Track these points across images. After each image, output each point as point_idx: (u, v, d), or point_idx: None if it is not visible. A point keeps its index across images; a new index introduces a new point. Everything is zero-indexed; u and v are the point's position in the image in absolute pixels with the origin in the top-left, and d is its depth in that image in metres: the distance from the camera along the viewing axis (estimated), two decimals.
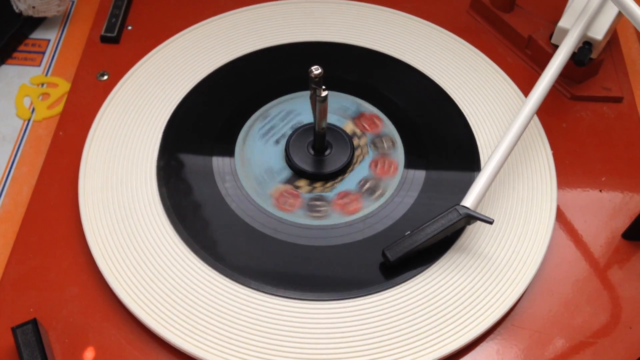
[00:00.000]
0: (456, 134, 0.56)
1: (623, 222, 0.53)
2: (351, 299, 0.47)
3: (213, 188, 0.53)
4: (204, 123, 0.57)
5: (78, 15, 0.66)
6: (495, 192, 0.53)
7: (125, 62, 0.60)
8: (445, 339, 0.46)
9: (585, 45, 0.57)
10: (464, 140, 0.56)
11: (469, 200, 0.49)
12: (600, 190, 0.55)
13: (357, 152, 0.55)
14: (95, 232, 0.50)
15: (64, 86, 0.61)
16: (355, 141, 0.55)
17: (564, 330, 0.48)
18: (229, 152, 0.55)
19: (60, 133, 0.56)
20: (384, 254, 0.48)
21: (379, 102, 0.58)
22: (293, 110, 0.57)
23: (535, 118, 0.57)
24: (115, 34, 0.63)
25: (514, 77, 0.60)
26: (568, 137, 0.58)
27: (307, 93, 0.50)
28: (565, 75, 0.60)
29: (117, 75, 0.59)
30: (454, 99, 0.58)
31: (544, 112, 0.58)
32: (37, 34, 0.65)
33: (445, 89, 0.59)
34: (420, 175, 0.54)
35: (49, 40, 0.64)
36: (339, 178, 0.54)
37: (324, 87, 0.47)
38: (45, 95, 0.60)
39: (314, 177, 0.53)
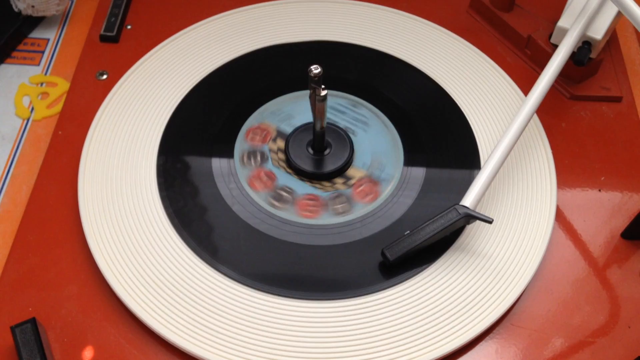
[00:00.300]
0: (456, 133, 0.56)
1: (622, 222, 0.53)
2: (351, 299, 0.47)
3: (212, 187, 0.53)
4: (204, 122, 0.57)
5: (77, 15, 0.66)
6: (494, 192, 0.53)
7: (125, 62, 0.60)
8: (444, 339, 0.46)
9: (585, 45, 0.57)
10: (464, 140, 0.56)
11: (468, 200, 0.49)
12: (600, 190, 0.55)
13: None
14: (94, 231, 0.50)
15: (63, 85, 0.61)
16: None
17: (563, 329, 0.48)
18: (229, 151, 0.55)
19: (60, 132, 0.56)
20: (383, 254, 0.48)
21: (379, 102, 0.58)
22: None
23: (535, 117, 0.57)
24: (114, 33, 0.63)
25: (513, 76, 0.60)
26: (567, 136, 0.58)
27: (307, 92, 0.50)
28: (564, 75, 0.60)
29: (116, 74, 0.59)
30: (454, 98, 0.58)
31: (544, 111, 0.58)
32: (36, 33, 0.65)
33: (445, 88, 0.59)
34: (419, 174, 0.54)
35: (48, 40, 0.64)
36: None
37: (323, 86, 0.47)
38: (45, 94, 0.60)
39: (313, 177, 0.53)
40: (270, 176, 0.53)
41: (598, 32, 0.57)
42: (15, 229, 0.51)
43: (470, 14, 0.66)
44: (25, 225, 0.51)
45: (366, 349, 0.45)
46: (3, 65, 0.62)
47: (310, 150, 0.54)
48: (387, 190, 0.53)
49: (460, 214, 0.48)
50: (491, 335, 0.48)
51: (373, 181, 0.53)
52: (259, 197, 0.52)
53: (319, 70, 0.46)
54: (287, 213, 0.51)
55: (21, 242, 0.51)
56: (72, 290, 0.48)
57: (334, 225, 0.51)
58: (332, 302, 0.47)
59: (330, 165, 0.54)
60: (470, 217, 0.48)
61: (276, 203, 0.52)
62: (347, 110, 0.57)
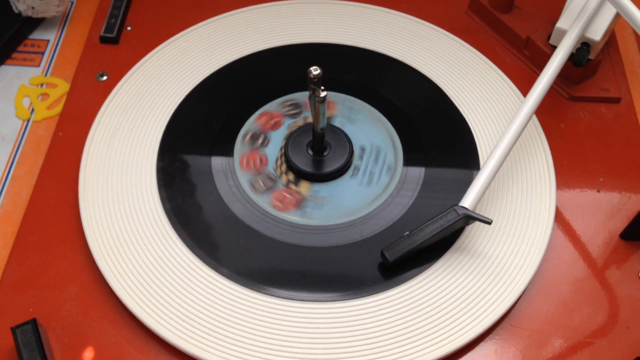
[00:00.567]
0: (455, 135, 0.57)
1: (621, 223, 0.53)
2: (350, 300, 0.47)
3: (212, 188, 0.53)
4: (204, 123, 0.57)
5: (77, 16, 0.67)
6: (494, 193, 0.53)
7: (125, 63, 0.60)
8: (443, 339, 0.46)
9: (583, 46, 0.57)
10: (463, 141, 0.56)
11: (467, 201, 0.49)
12: (598, 191, 0.55)
13: None
14: (95, 232, 0.50)
15: (63, 87, 0.61)
16: None
17: (562, 330, 0.48)
18: (228, 152, 0.55)
19: (60, 133, 0.56)
20: (382, 255, 0.48)
21: (378, 103, 0.58)
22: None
23: (534, 118, 0.57)
24: (114, 34, 0.63)
25: (512, 77, 0.60)
26: (566, 137, 0.58)
27: (306, 94, 0.50)
28: (563, 76, 0.60)
29: (116, 75, 0.60)
30: (453, 100, 0.58)
31: (543, 112, 0.58)
32: (36, 35, 0.65)
33: (444, 90, 0.59)
34: (419, 175, 0.54)
35: (48, 41, 0.65)
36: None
37: (322, 87, 0.47)
38: (45, 95, 0.60)
39: (313, 178, 0.53)
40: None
41: (597, 33, 0.57)
42: (16, 230, 0.51)
43: (469, 15, 0.66)
44: (25, 227, 0.51)
45: (365, 349, 0.46)
46: (3, 67, 0.63)
47: (310, 152, 0.54)
48: (386, 191, 0.53)
49: (459, 214, 0.48)
50: (490, 336, 0.48)
51: (298, 202, 0.52)
52: (259, 197, 0.52)
53: (319, 71, 0.46)
54: (286, 214, 0.51)
55: (22, 243, 0.51)
56: (73, 291, 0.48)
57: (334, 226, 0.51)
58: (331, 303, 0.47)
59: (330, 166, 0.54)
60: (469, 218, 0.48)
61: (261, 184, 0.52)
62: (380, 162, 0.55)
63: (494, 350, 0.47)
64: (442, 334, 0.46)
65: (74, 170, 0.54)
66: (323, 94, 0.48)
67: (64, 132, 0.57)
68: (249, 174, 0.53)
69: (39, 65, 0.63)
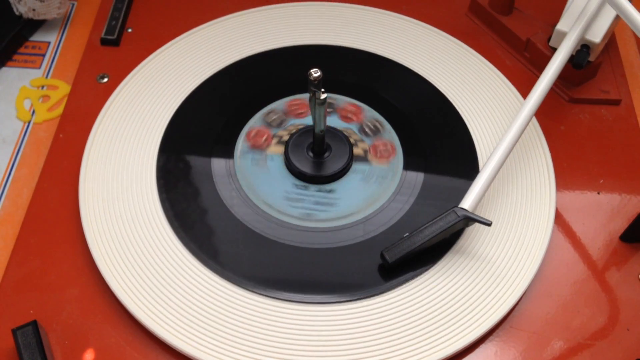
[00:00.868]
0: (455, 136, 0.57)
1: (621, 224, 0.53)
2: (349, 302, 0.47)
3: (212, 190, 0.53)
4: (204, 125, 0.57)
5: (78, 18, 0.67)
6: (493, 194, 0.53)
7: (126, 65, 0.60)
8: (443, 342, 0.46)
9: (583, 48, 0.57)
10: (463, 143, 0.56)
11: (467, 202, 0.49)
12: (598, 193, 0.55)
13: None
14: (95, 234, 0.50)
15: (64, 88, 0.61)
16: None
17: (562, 332, 0.48)
18: (229, 154, 0.55)
19: (61, 135, 0.57)
20: (382, 256, 0.48)
21: (378, 105, 0.58)
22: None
23: (534, 120, 0.57)
24: (115, 36, 0.63)
25: (512, 79, 0.60)
26: (566, 139, 0.58)
27: (307, 95, 0.50)
28: (563, 78, 0.60)
29: (117, 77, 0.60)
30: (453, 102, 0.58)
31: (543, 114, 0.59)
32: (37, 37, 0.65)
33: (443, 92, 0.59)
34: (419, 177, 0.54)
35: (49, 43, 0.65)
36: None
37: (323, 89, 0.47)
38: (46, 97, 0.60)
39: (313, 180, 0.53)
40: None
41: (597, 35, 0.57)
42: (17, 231, 0.52)
43: (470, 17, 0.66)
44: (26, 228, 0.51)
45: (364, 351, 0.46)
46: (4, 69, 0.63)
47: (310, 154, 0.54)
48: (386, 193, 0.53)
49: (459, 216, 0.48)
50: (491, 337, 0.48)
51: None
52: (258, 198, 0.52)
53: (319, 74, 0.46)
54: (286, 215, 0.52)
55: (22, 245, 0.51)
56: (73, 292, 0.49)
57: (333, 227, 0.51)
58: (331, 305, 0.47)
59: (330, 169, 0.54)
60: (469, 219, 0.48)
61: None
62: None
63: (494, 352, 0.47)
64: (442, 336, 0.46)
65: (74, 172, 0.54)
66: (323, 96, 0.48)
67: (64, 134, 0.57)
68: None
69: (40, 67, 0.63)
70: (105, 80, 0.60)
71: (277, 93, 0.59)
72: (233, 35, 0.63)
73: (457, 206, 0.48)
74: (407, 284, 0.48)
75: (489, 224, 0.48)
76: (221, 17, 0.64)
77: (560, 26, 0.58)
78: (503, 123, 0.57)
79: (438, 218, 0.48)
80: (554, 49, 0.57)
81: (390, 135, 0.55)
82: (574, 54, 0.57)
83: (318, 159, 0.54)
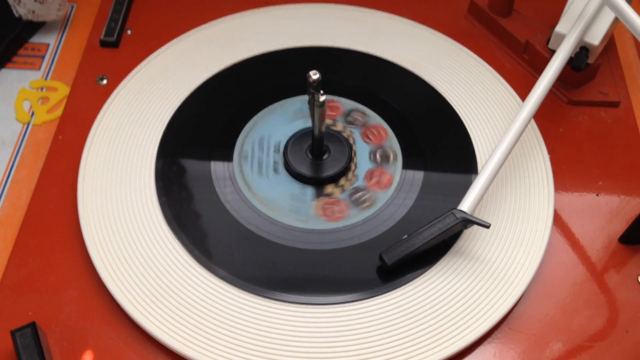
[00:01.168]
0: (454, 138, 0.57)
1: (620, 226, 0.53)
2: (348, 303, 0.47)
3: (211, 192, 0.53)
4: (203, 127, 0.57)
5: (77, 20, 0.67)
6: (492, 196, 0.53)
7: (125, 67, 0.60)
8: (442, 343, 0.46)
9: (582, 51, 0.57)
10: (462, 144, 0.56)
11: (465, 204, 0.49)
12: (597, 194, 0.55)
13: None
14: (93, 236, 0.50)
15: (63, 90, 0.61)
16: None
17: (561, 334, 0.48)
18: (228, 156, 0.55)
19: (60, 137, 0.57)
20: (381, 258, 0.48)
21: (377, 106, 0.58)
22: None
23: (533, 122, 0.57)
24: (114, 38, 0.63)
25: (511, 81, 0.60)
26: (565, 141, 0.58)
27: (306, 97, 0.50)
28: (562, 80, 0.60)
29: (116, 79, 0.60)
30: (452, 103, 0.59)
31: (541, 116, 0.59)
32: (37, 38, 0.65)
33: (442, 94, 0.59)
34: (418, 179, 0.54)
35: (48, 45, 0.65)
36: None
37: (322, 91, 0.47)
38: (45, 99, 0.61)
39: (312, 182, 0.53)
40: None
41: (595, 37, 0.57)
42: (16, 233, 0.52)
43: (469, 19, 0.66)
44: (25, 230, 0.51)
45: (363, 353, 0.46)
46: (3, 70, 0.63)
47: (310, 155, 0.54)
48: (385, 194, 0.53)
49: (457, 218, 0.48)
50: (489, 339, 0.48)
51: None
52: (258, 200, 0.52)
53: (318, 76, 0.46)
54: (286, 218, 0.52)
55: (21, 246, 0.51)
56: (72, 294, 0.49)
57: (332, 229, 0.51)
58: (330, 307, 0.47)
59: (329, 170, 0.54)
60: (467, 221, 0.48)
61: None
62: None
63: (492, 353, 0.47)
64: (441, 337, 0.46)
65: (73, 174, 0.54)
66: (322, 98, 0.48)
67: (63, 136, 0.57)
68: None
69: (39, 69, 0.63)
70: (105, 82, 0.60)
71: (276, 95, 0.59)
72: (232, 37, 0.63)
73: (455, 208, 0.49)
74: (405, 286, 0.48)
75: (487, 226, 0.48)
76: (220, 18, 0.64)
77: (559, 28, 0.58)
78: (502, 125, 0.57)
79: (437, 220, 0.48)
80: (553, 51, 0.57)
81: (394, 169, 0.54)
82: (572, 56, 0.57)
83: (317, 160, 0.54)
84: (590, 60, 0.58)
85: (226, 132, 0.56)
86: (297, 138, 0.55)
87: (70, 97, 0.59)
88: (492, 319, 0.47)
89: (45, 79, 0.62)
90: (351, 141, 0.56)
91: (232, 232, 0.51)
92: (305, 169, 0.53)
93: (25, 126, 0.59)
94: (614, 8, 0.52)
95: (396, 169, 0.54)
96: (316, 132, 0.52)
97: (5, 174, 0.56)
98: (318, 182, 0.54)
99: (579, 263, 0.52)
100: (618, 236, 0.53)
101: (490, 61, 0.62)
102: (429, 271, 0.49)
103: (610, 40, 0.63)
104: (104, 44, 0.63)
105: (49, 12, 0.64)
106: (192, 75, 0.60)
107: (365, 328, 0.47)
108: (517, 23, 0.63)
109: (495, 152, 0.50)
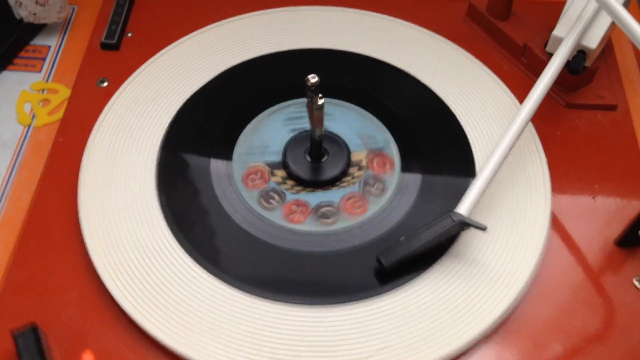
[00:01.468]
0: (451, 141, 0.57)
1: (616, 229, 0.53)
2: (345, 305, 0.48)
3: (211, 194, 0.53)
4: (203, 129, 0.57)
5: (78, 22, 0.67)
6: (490, 199, 0.53)
7: (125, 69, 0.61)
8: (439, 345, 0.46)
9: (580, 54, 0.57)
10: (460, 147, 0.56)
11: (463, 207, 0.49)
12: (594, 197, 0.55)
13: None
14: (94, 237, 0.50)
15: (64, 92, 0.61)
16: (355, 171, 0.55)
17: (558, 336, 0.48)
18: (228, 158, 0.55)
19: (61, 139, 0.57)
20: (378, 260, 0.48)
21: (375, 109, 0.58)
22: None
23: (530, 125, 0.57)
24: (115, 40, 0.63)
25: (509, 84, 0.60)
26: (562, 144, 0.58)
27: (305, 100, 0.50)
28: (560, 83, 0.60)
29: (117, 81, 0.60)
30: (450, 106, 0.59)
31: (539, 119, 0.59)
32: (38, 41, 0.65)
33: (440, 96, 0.59)
34: (415, 181, 0.54)
35: (49, 47, 0.65)
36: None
37: (320, 95, 0.48)
38: (46, 101, 0.61)
39: (310, 184, 0.54)
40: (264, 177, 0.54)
41: (593, 41, 0.57)
42: (17, 235, 0.52)
43: (467, 22, 0.67)
44: (26, 232, 0.52)
45: (360, 355, 0.46)
46: (5, 72, 0.63)
47: (308, 158, 0.55)
48: (383, 197, 0.53)
49: (454, 221, 0.48)
50: (486, 341, 0.48)
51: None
52: (258, 203, 0.53)
53: (316, 79, 0.47)
54: (284, 220, 0.52)
55: (22, 248, 0.51)
56: (73, 296, 0.49)
57: (331, 232, 0.51)
58: (327, 308, 0.48)
59: (328, 173, 0.54)
60: (464, 224, 0.48)
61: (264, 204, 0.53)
62: None
63: (489, 356, 0.47)
64: (438, 339, 0.46)
65: (74, 176, 0.54)
66: (321, 101, 0.48)
67: (64, 138, 0.57)
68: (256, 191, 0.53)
69: (40, 71, 0.63)
70: (105, 84, 0.61)
71: (275, 97, 0.59)
72: (232, 39, 0.63)
73: (452, 211, 0.49)
74: (402, 288, 0.49)
75: (483, 229, 0.48)
76: (220, 21, 0.64)
77: (557, 32, 0.58)
78: (500, 127, 0.57)
79: (434, 223, 0.48)
80: (551, 55, 0.58)
81: (393, 172, 0.55)
82: (570, 59, 0.57)
83: (316, 163, 0.54)
84: (588, 63, 0.58)
85: (226, 135, 0.57)
86: (296, 141, 0.55)
87: (71, 100, 0.60)
88: (489, 321, 0.47)
89: (47, 81, 0.62)
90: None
91: (232, 234, 0.51)
92: (303, 172, 0.54)
93: (26, 128, 0.59)
94: (611, 12, 0.52)
95: (394, 172, 0.55)
96: (315, 135, 0.52)
97: (6, 175, 0.56)
98: (317, 185, 0.54)
99: (575, 265, 0.52)
100: (614, 239, 0.53)
101: (488, 64, 0.62)
102: (426, 273, 0.49)
103: (607, 44, 0.63)
104: (104, 46, 0.63)
105: (50, 15, 0.64)
106: (192, 77, 0.60)
107: (362, 330, 0.47)
108: (515, 26, 0.63)
109: (492, 155, 0.51)
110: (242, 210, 0.52)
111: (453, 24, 0.66)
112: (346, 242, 0.51)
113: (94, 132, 0.56)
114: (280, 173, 0.55)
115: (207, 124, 0.57)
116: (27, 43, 0.65)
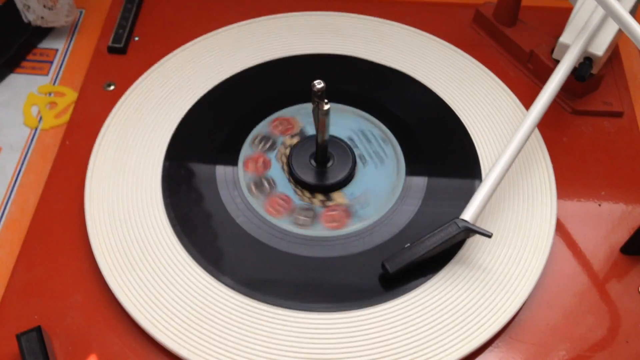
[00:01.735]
0: (458, 146, 0.57)
1: (622, 236, 0.53)
2: (350, 311, 0.48)
3: (217, 198, 0.53)
4: (210, 133, 0.57)
5: (86, 26, 0.67)
6: (495, 205, 0.53)
7: (132, 73, 0.61)
8: (443, 351, 0.46)
9: (586, 61, 0.57)
10: (466, 153, 0.56)
11: (468, 214, 0.49)
12: (600, 204, 0.55)
13: None
14: (100, 241, 0.51)
15: (71, 95, 0.62)
16: None
17: (562, 343, 0.48)
18: (234, 161, 0.55)
19: (67, 142, 0.57)
20: (383, 266, 0.48)
21: (382, 115, 0.58)
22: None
23: (536, 131, 0.57)
24: (122, 44, 0.63)
25: (515, 90, 0.60)
26: (568, 151, 0.58)
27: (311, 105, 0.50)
28: (566, 90, 0.60)
29: (123, 85, 0.60)
30: (456, 112, 0.59)
31: (545, 125, 0.59)
32: (46, 44, 0.66)
33: (447, 102, 0.59)
34: (421, 187, 0.54)
35: (57, 50, 0.65)
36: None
37: (326, 100, 0.48)
38: (53, 104, 0.61)
39: (315, 189, 0.54)
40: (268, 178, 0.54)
41: (599, 48, 0.57)
42: (22, 237, 0.52)
43: (474, 29, 0.67)
44: (32, 234, 0.52)
45: None
46: (12, 75, 0.63)
47: (314, 163, 0.55)
48: (388, 202, 0.53)
49: (459, 227, 0.48)
50: (491, 348, 0.48)
51: (347, 212, 0.53)
52: (260, 206, 0.53)
53: (322, 85, 0.47)
54: (289, 224, 0.52)
55: (28, 250, 0.51)
56: (78, 299, 0.49)
57: (335, 236, 0.51)
58: (332, 314, 0.48)
59: (334, 177, 0.54)
60: (469, 231, 0.48)
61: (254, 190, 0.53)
62: (373, 141, 0.57)
63: None
64: (442, 345, 0.46)
65: (80, 179, 0.54)
66: (327, 106, 0.48)
67: (71, 141, 0.57)
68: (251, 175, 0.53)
69: (47, 74, 0.63)
70: (112, 87, 0.61)
71: (282, 101, 0.59)
72: (238, 44, 0.63)
73: (458, 217, 0.49)
74: (407, 294, 0.48)
75: (489, 236, 0.48)
76: (227, 26, 0.64)
77: (564, 39, 0.58)
78: (506, 134, 0.57)
79: (439, 229, 0.48)
80: (557, 61, 0.58)
81: (399, 176, 0.55)
82: (576, 66, 0.57)
83: (321, 168, 0.54)
84: (594, 70, 0.58)
85: (233, 138, 0.57)
86: (302, 145, 0.56)
87: (78, 103, 0.60)
88: (493, 328, 0.47)
89: (54, 84, 0.63)
90: None
91: (237, 239, 0.51)
92: (309, 177, 0.54)
93: (33, 131, 0.59)
94: (617, 19, 0.52)
95: (400, 177, 0.55)
96: (319, 140, 0.52)
97: (13, 178, 0.56)
98: (322, 190, 0.54)
99: (580, 272, 0.52)
100: (620, 246, 0.53)
101: (494, 70, 0.62)
102: (431, 279, 0.49)
103: (614, 51, 0.63)
104: (111, 50, 0.64)
105: (58, 18, 0.64)
106: (198, 81, 0.60)
107: (367, 336, 0.47)
108: (522, 33, 0.63)
109: (498, 161, 0.51)
110: (247, 215, 0.52)
111: (460, 30, 0.67)
112: (351, 247, 0.51)
113: (100, 135, 0.56)
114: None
115: (214, 127, 0.58)
116: (34, 46, 0.65)
